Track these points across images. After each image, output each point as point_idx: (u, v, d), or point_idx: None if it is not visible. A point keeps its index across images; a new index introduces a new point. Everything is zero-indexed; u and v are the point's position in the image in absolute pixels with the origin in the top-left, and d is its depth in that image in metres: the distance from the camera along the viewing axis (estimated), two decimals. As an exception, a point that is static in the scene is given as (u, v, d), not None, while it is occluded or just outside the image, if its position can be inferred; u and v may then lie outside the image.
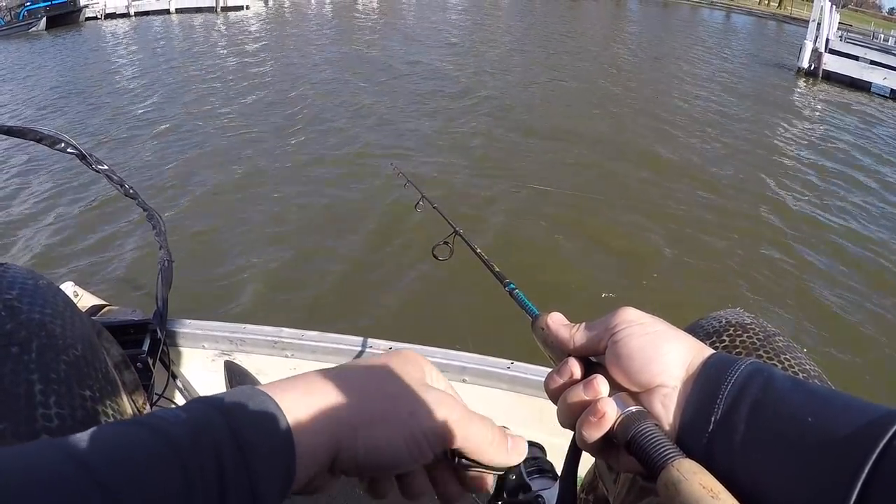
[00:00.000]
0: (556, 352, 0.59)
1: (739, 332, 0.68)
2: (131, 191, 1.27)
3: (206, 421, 0.37)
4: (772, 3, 56.55)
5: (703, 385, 0.47)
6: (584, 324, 0.56)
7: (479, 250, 1.00)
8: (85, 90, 12.40)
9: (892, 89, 16.50)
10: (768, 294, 5.29)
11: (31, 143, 1.16)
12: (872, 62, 18.79)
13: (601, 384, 0.50)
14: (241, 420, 0.37)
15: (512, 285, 0.81)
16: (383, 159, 7.61)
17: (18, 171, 7.71)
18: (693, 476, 0.41)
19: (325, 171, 7.67)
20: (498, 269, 0.89)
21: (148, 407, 1.14)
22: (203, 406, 0.38)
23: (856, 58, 19.49)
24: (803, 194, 7.79)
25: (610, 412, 0.48)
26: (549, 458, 0.90)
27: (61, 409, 0.64)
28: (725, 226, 6.59)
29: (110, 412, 0.73)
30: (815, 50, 18.21)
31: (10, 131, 1.12)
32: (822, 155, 9.79)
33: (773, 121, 11.86)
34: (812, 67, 18.16)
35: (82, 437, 0.34)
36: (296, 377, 0.44)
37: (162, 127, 9.52)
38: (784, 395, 0.44)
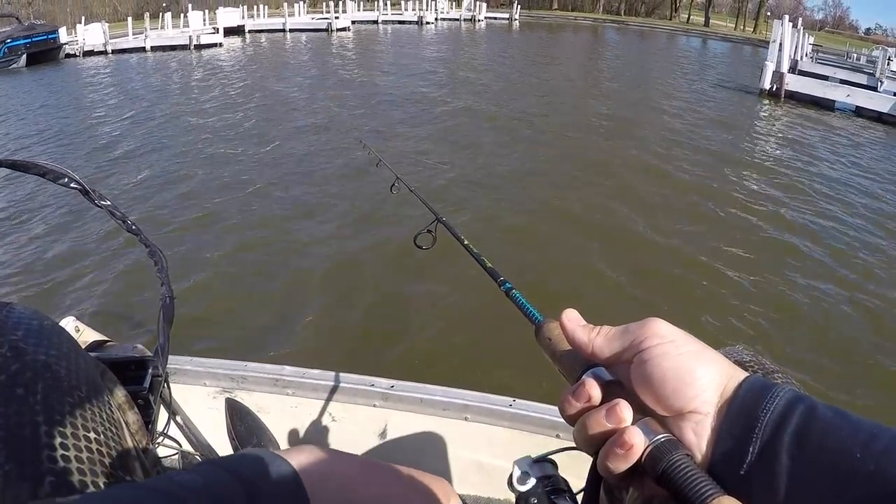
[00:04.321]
0: (566, 365, 0.54)
1: None
2: (133, 227, 1.26)
3: (227, 494, 0.36)
4: (747, 28, 58.10)
5: (739, 411, 0.43)
6: (605, 328, 0.51)
7: (465, 241, 0.94)
8: (69, 126, 12.51)
9: (857, 106, 16.87)
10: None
11: (34, 177, 1.14)
12: (842, 81, 19.28)
13: (625, 410, 0.45)
14: (261, 495, 0.36)
15: (508, 284, 0.74)
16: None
17: (19, 206, 7.75)
18: None
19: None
20: (490, 266, 0.82)
21: (151, 446, 1.12)
22: (222, 473, 0.37)
23: (825, 77, 20.00)
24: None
25: (638, 443, 0.44)
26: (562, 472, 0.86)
27: (66, 452, 0.63)
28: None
29: (115, 454, 0.72)
30: (776, 71, 18.53)
31: (14, 165, 1.11)
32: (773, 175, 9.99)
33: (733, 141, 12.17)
34: (774, 88, 18.47)
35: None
36: (325, 460, 0.43)
37: (145, 162, 9.61)
38: (829, 425, 0.40)
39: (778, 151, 11.83)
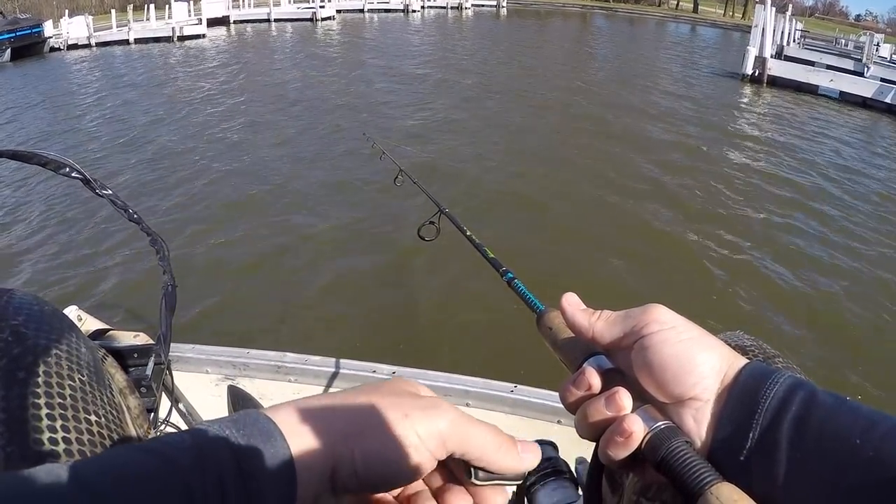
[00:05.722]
0: (567, 353, 0.54)
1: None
2: (135, 216, 1.26)
3: (210, 446, 0.36)
4: (736, 15, 58.08)
5: (738, 398, 0.44)
6: (605, 312, 0.51)
7: (468, 232, 0.95)
8: (53, 119, 12.48)
9: (841, 91, 16.85)
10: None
11: (35, 167, 1.14)
12: (829, 66, 19.28)
13: (624, 398, 0.45)
14: (243, 445, 0.37)
15: (510, 274, 0.74)
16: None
17: (22, 196, 7.76)
18: (733, 503, 0.39)
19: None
20: (493, 256, 0.82)
21: (152, 432, 1.13)
22: (206, 431, 0.37)
23: (811, 63, 20.00)
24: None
25: (637, 430, 0.44)
26: (562, 455, 0.83)
27: (68, 434, 0.64)
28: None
29: (116, 437, 0.73)
30: (758, 56, 18.48)
31: (15, 155, 1.11)
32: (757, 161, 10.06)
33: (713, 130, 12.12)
34: (756, 73, 18.43)
35: (88, 462, 0.34)
36: (294, 401, 0.42)
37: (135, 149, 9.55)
38: (828, 412, 0.40)
39: (755, 133, 11.97)
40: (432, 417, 0.41)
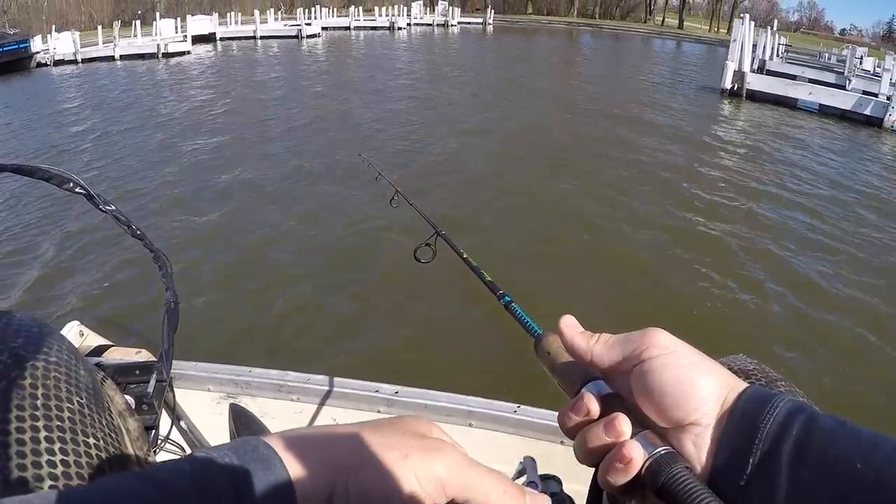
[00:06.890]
0: (565, 378, 0.53)
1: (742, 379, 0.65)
2: (138, 232, 1.25)
3: (208, 473, 0.36)
4: (721, 30, 59.00)
5: (738, 423, 0.43)
6: (605, 336, 0.50)
7: (465, 255, 0.95)
8: (40, 132, 12.45)
9: (820, 104, 17.08)
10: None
11: (38, 182, 1.13)
12: (811, 80, 19.56)
13: (624, 424, 0.45)
14: (241, 471, 0.37)
15: (508, 298, 0.74)
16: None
17: (23, 211, 7.69)
18: None
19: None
20: (490, 279, 0.82)
21: (152, 453, 1.12)
22: (204, 458, 0.37)
23: (793, 77, 20.31)
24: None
25: (637, 456, 0.43)
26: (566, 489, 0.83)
27: (66, 457, 0.64)
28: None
29: (115, 460, 0.72)
30: (737, 70, 18.70)
31: (18, 170, 1.10)
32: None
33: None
34: (735, 87, 18.65)
35: (83, 490, 0.34)
36: (297, 428, 0.43)
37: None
38: (829, 435, 0.40)
39: (725, 146, 12.13)
40: (432, 460, 0.42)
